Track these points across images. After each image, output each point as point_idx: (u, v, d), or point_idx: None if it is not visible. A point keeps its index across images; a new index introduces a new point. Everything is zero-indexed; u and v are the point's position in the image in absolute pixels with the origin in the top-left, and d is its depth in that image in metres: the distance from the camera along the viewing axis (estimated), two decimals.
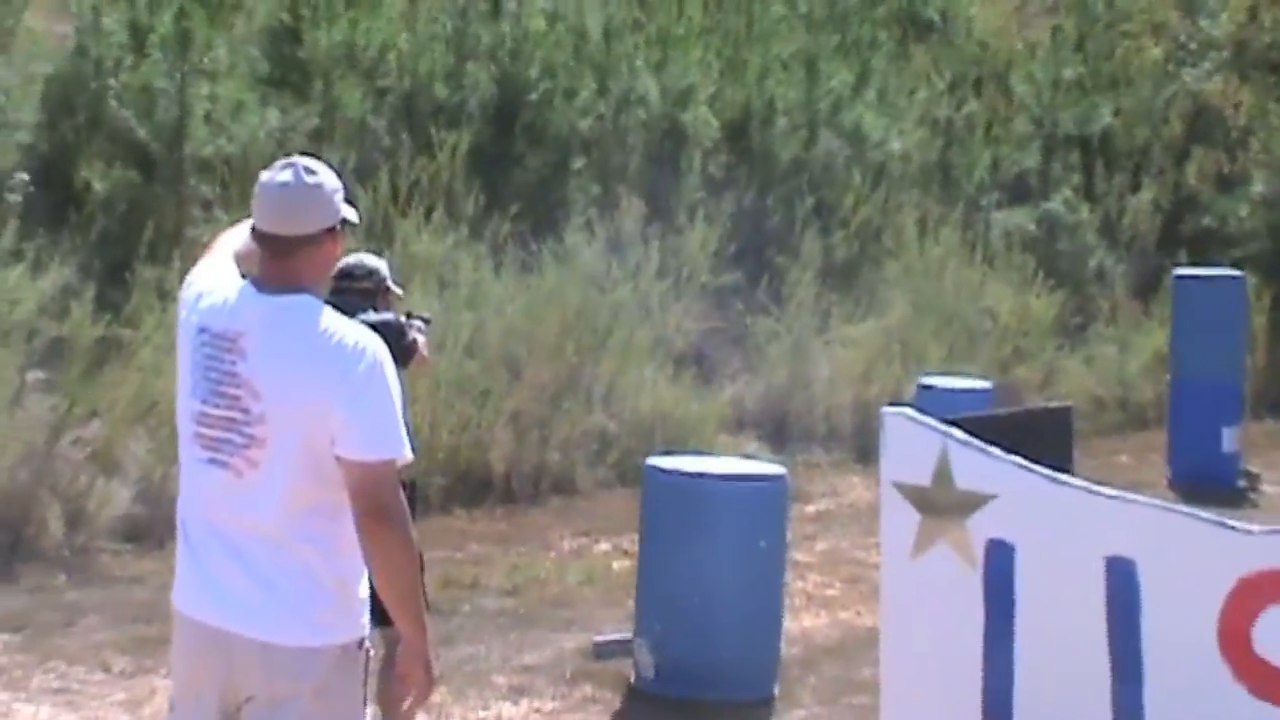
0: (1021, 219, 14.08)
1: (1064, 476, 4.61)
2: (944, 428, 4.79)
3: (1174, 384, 11.41)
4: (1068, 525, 4.52)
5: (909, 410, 4.99)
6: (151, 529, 8.06)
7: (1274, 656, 4.19)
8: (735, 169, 12.58)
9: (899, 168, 13.60)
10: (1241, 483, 10.93)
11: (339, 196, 3.48)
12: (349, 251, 6.18)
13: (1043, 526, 4.56)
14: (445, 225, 10.61)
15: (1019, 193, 14.41)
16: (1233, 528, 4.32)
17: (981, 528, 4.62)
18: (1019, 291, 13.41)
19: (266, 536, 3.33)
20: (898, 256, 13.08)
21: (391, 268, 6.01)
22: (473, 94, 11.47)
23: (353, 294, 5.60)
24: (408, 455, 3.38)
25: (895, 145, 13.53)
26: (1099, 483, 4.61)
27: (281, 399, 3.33)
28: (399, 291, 5.98)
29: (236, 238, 3.66)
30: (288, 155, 3.62)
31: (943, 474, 4.71)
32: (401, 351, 5.61)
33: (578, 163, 11.73)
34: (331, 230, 3.46)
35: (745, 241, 12.19)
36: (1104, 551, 4.42)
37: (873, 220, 13.09)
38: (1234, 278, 11.71)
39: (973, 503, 4.64)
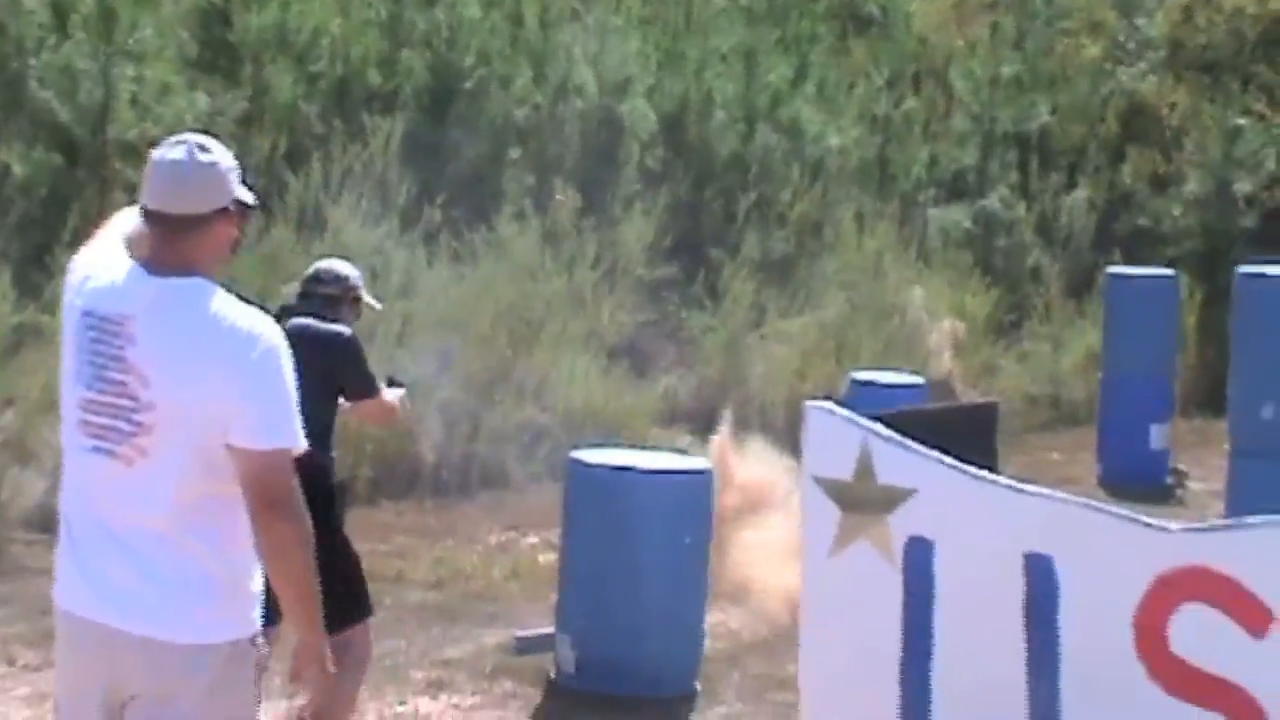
0: (958, 216, 14.10)
1: (983, 472, 4.58)
2: (866, 423, 4.76)
3: (1105, 381, 11.44)
4: (987, 521, 4.49)
5: (831, 405, 4.95)
6: None
7: (1190, 654, 4.17)
8: (672, 162, 12.53)
9: (837, 163, 13.58)
10: (1170, 480, 10.96)
11: (233, 176, 3.37)
12: (322, 257, 5.99)
13: (962, 523, 4.53)
14: (377, 214, 10.50)
15: (956, 190, 14.42)
16: (1150, 525, 4.29)
17: (902, 524, 4.59)
18: (955, 289, 13.42)
19: (155, 529, 3.22)
20: (834, 252, 13.06)
21: (364, 278, 5.77)
22: (406, 81, 11.36)
23: (316, 299, 5.47)
24: (302, 444, 3.29)
25: (833, 141, 13.51)
26: (1028, 480, 4.58)
27: (171, 385, 3.22)
28: (375, 304, 5.75)
29: (128, 220, 3.55)
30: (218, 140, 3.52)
31: (864, 469, 4.68)
32: (356, 378, 5.45)
33: (513, 152, 11.64)
34: (225, 211, 3.36)
35: (681, 235, 12.14)
36: (1023, 548, 4.40)
37: (810, 216, 13.06)
38: (1166, 277, 11.75)
39: (894, 498, 4.61)
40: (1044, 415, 12.94)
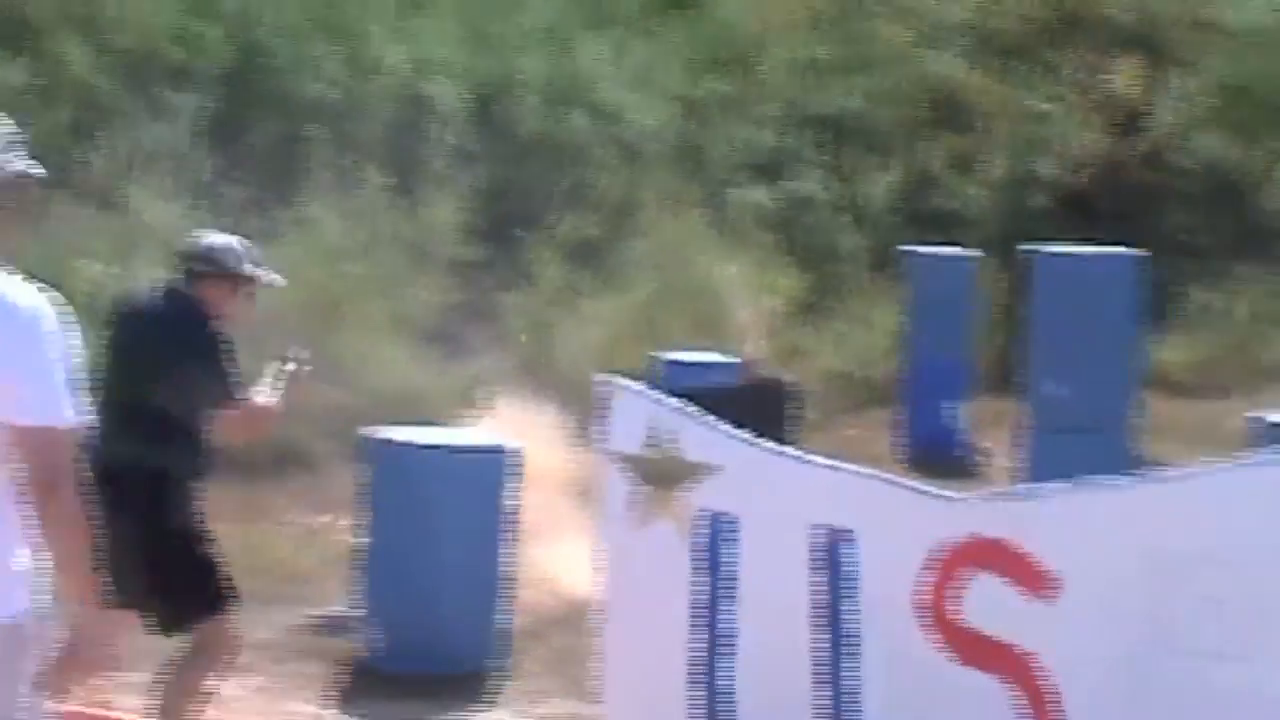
0: (767, 198, 14.26)
1: (778, 447, 4.65)
2: (666, 399, 4.81)
3: (906, 360, 11.65)
4: (783, 495, 4.56)
5: (632, 382, 5.00)
6: None
7: (976, 622, 4.27)
8: (482, 142, 12.49)
9: (648, 145, 13.65)
10: (968, 457, 11.20)
11: (5, 144, 3.26)
12: (201, 232, 5.22)
13: (759, 497, 4.59)
14: (177, 192, 10.30)
15: (766, 172, 14.58)
16: (939, 496, 4.39)
17: (701, 498, 4.64)
18: (764, 269, 13.57)
19: None
20: (645, 234, 13.13)
21: (246, 252, 4.96)
22: (208, 56, 11.16)
23: (186, 275, 4.86)
24: (71, 421, 3.21)
25: (645, 122, 13.58)
26: (828, 456, 4.65)
27: None
28: (273, 280, 5.04)
29: None
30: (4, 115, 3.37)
31: (664, 445, 4.73)
32: (202, 377, 4.80)
33: (317, 131, 11.50)
34: None
35: (491, 216, 12.11)
36: (816, 520, 4.47)
37: (621, 197, 13.12)
38: (964, 257, 12.00)
39: (692, 474, 4.66)
40: (850, 394, 13.14)
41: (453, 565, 6.00)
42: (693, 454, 4.68)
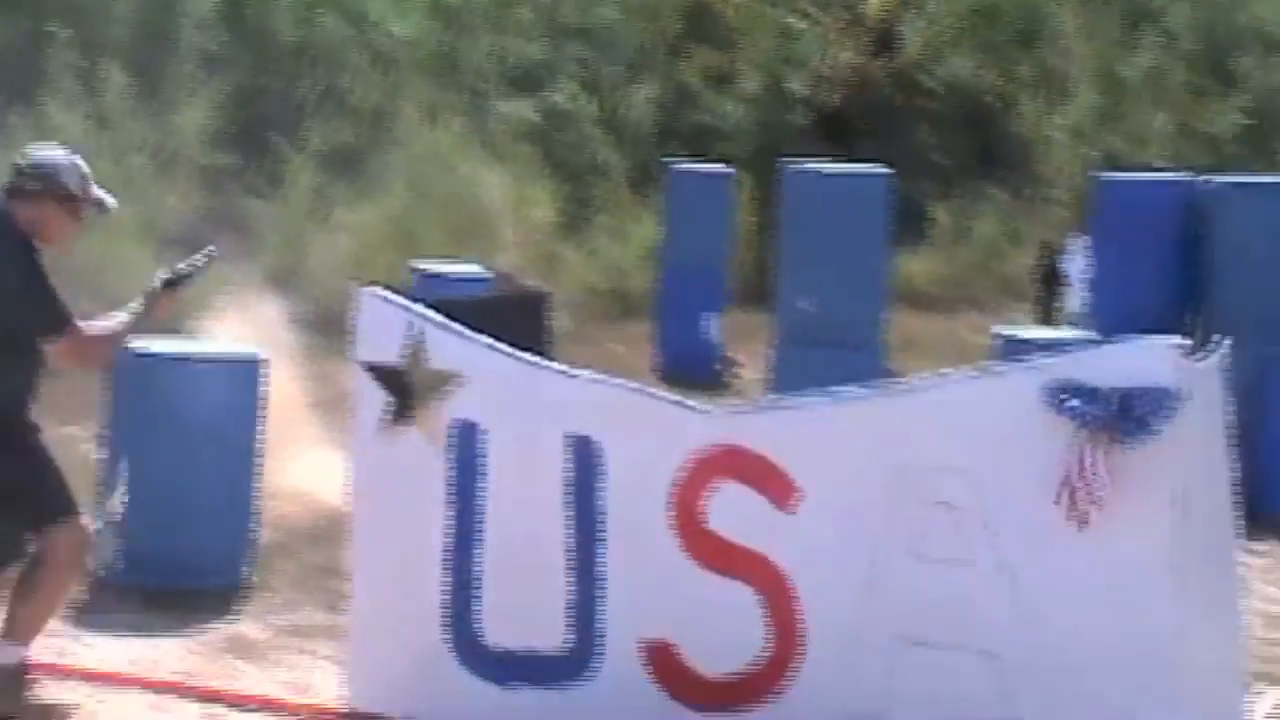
0: (525, 110, 14.19)
1: (530, 357, 4.65)
2: (418, 309, 4.76)
3: (662, 273, 11.75)
4: (534, 405, 4.57)
5: (383, 291, 4.93)
6: None
7: (722, 528, 4.36)
8: (232, 46, 12.17)
9: (404, 53, 13.46)
10: (722, 368, 11.35)
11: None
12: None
13: (510, 407, 4.60)
14: None
15: (523, 84, 14.50)
16: (686, 406, 4.45)
17: (452, 408, 4.62)
18: (522, 182, 13.53)
19: None
20: (401, 143, 12.97)
21: (87, 172, 4.54)
22: None
23: (13, 193, 4.39)
24: None
25: (400, 30, 13.38)
26: (584, 368, 4.67)
27: None
28: (107, 201, 4.60)
29: None
30: None
31: (415, 355, 4.69)
32: (25, 305, 4.39)
33: (58, 29, 11.06)
34: None
35: (243, 122, 11.83)
36: (568, 429, 4.50)
37: (376, 106, 12.93)
38: (722, 172, 12.11)
39: (444, 384, 4.64)
40: (608, 307, 13.21)
41: (199, 478, 5.87)
42: (444, 364, 4.66)
